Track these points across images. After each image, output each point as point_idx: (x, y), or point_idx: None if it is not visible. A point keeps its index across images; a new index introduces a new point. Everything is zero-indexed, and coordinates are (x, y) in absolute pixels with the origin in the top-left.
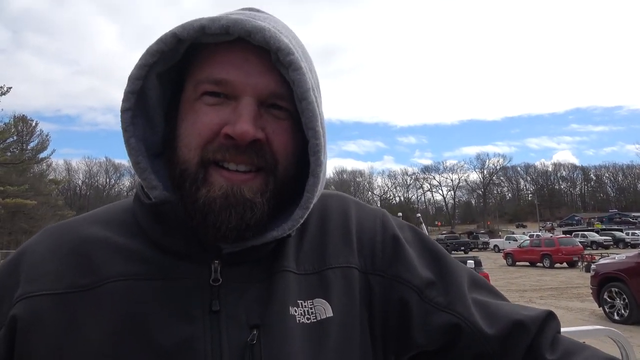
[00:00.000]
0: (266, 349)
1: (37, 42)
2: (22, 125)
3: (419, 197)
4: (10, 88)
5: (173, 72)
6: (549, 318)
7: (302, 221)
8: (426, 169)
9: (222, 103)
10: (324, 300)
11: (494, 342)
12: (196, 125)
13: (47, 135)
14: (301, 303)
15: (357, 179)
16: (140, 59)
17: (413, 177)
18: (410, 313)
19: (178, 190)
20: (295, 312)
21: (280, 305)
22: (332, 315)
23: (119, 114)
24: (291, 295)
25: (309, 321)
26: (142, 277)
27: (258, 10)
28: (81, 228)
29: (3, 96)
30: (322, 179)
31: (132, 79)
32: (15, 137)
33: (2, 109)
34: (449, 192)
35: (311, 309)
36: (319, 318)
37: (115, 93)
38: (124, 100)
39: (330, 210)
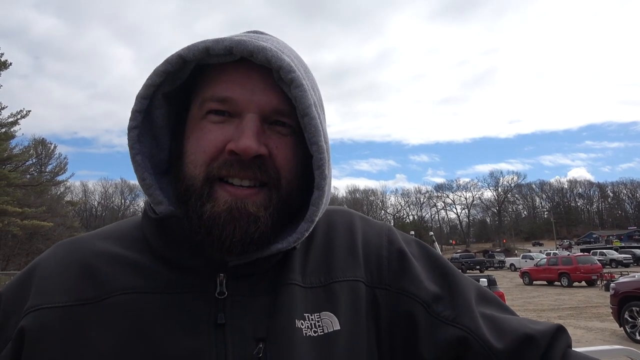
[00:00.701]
0: None
1: (55, 68)
2: (41, 148)
3: (432, 216)
4: (29, 111)
5: (180, 91)
6: (559, 332)
7: (307, 234)
8: (440, 187)
9: (226, 121)
10: (330, 314)
11: (503, 356)
12: (201, 143)
13: (65, 158)
14: (307, 316)
15: (370, 198)
16: (148, 79)
17: (426, 195)
18: (417, 327)
19: (184, 205)
20: (302, 325)
21: (287, 318)
22: (339, 328)
23: None
24: (297, 308)
25: (315, 334)
26: (148, 290)
27: (262, 33)
28: (91, 243)
29: (23, 119)
30: (327, 193)
31: (139, 98)
32: (34, 160)
33: (23, 133)
34: (463, 210)
35: (318, 322)
36: (325, 331)
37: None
38: (131, 119)
39: (336, 224)
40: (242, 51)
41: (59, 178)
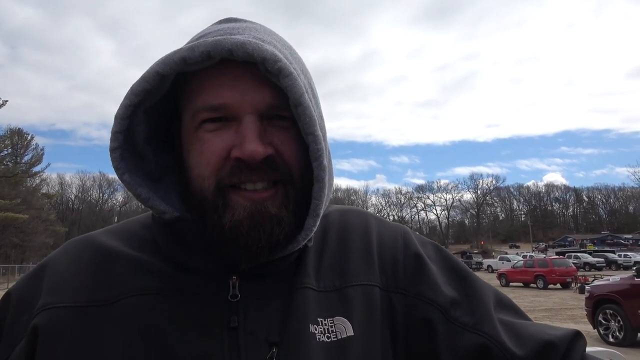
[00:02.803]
0: None
1: (34, 58)
2: (17, 138)
3: (412, 216)
4: (6, 101)
5: (162, 103)
6: (576, 337)
7: (314, 229)
8: (420, 189)
9: (224, 127)
10: (344, 319)
11: None
12: (204, 155)
13: (41, 149)
14: (321, 321)
15: (352, 197)
16: (125, 99)
17: (407, 196)
18: (435, 333)
19: (201, 218)
20: (315, 330)
21: (300, 322)
22: (352, 334)
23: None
24: (311, 312)
25: (329, 340)
26: (160, 292)
27: (236, 20)
28: (102, 242)
29: None
30: (328, 184)
31: (118, 118)
32: (9, 150)
33: None
34: (443, 212)
35: (331, 327)
36: (339, 337)
37: (110, 109)
38: (112, 140)
39: (350, 226)
40: (219, 52)
41: (35, 169)
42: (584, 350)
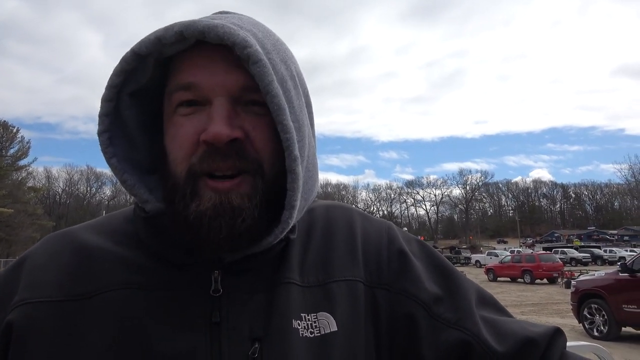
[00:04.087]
0: None
1: (20, 51)
2: (3, 131)
3: (402, 212)
4: None
5: (153, 89)
6: (557, 334)
7: (291, 222)
8: (410, 184)
9: (196, 111)
10: (328, 314)
11: (504, 359)
12: (177, 139)
13: (27, 142)
14: (304, 316)
15: (342, 192)
16: (108, 80)
17: (397, 191)
18: (418, 329)
19: (170, 206)
20: (299, 325)
21: (283, 318)
22: (336, 329)
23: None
24: (294, 308)
25: (312, 335)
26: (141, 286)
27: (227, 12)
28: (82, 236)
29: None
30: (306, 175)
31: (103, 100)
32: None
33: None
34: (432, 207)
35: (315, 322)
36: (322, 332)
37: (98, 102)
38: (99, 123)
39: (335, 221)
40: (192, 33)
41: (21, 163)
42: (564, 347)
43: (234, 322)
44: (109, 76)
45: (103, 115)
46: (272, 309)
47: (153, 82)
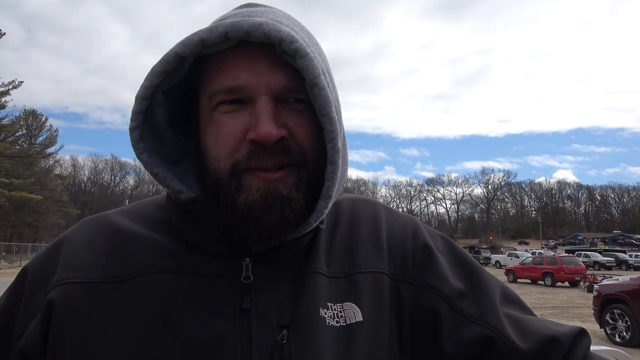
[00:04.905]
0: (295, 350)
1: (49, 41)
2: (32, 119)
3: (422, 209)
4: (22, 82)
5: (180, 85)
6: (581, 335)
7: (326, 211)
8: (430, 182)
9: (239, 109)
10: (354, 305)
11: (527, 357)
12: (220, 137)
13: (55, 131)
14: (331, 306)
15: (361, 188)
16: (146, 80)
17: (417, 188)
18: (441, 323)
19: (214, 198)
20: (325, 314)
21: (311, 306)
22: (362, 319)
23: (126, 114)
24: (321, 297)
25: (338, 324)
26: (174, 271)
27: (255, 5)
28: (117, 221)
29: (14, 90)
30: (342, 167)
31: (138, 99)
32: (24, 131)
33: (15, 105)
34: (453, 206)
35: (341, 312)
36: (348, 322)
37: (123, 94)
38: (131, 120)
39: (360, 214)
40: (237, 33)
41: (49, 151)
42: (588, 348)
43: (263, 309)
44: (147, 75)
45: (137, 112)
46: (299, 297)
47: (183, 78)
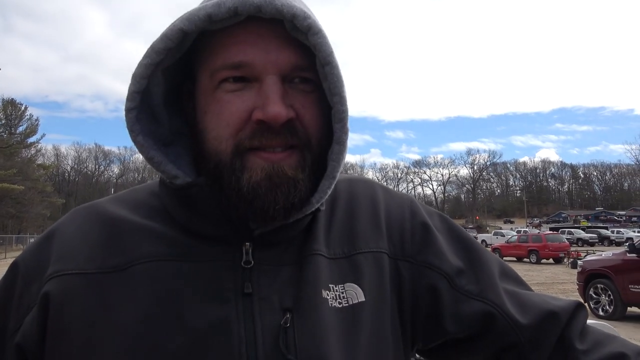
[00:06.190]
0: (300, 333)
1: (26, 28)
2: (11, 109)
3: (409, 191)
4: None
5: (179, 62)
6: (578, 308)
7: (329, 192)
8: (417, 164)
9: (245, 87)
10: (355, 285)
11: (526, 331)
12: (223, 116)
13: (36, 120)
14: (332, 287)
15: (349, 171)
16: (146, 57)
17: (404, 170)
18: (441, 300)
19: (216, 181)
20: (327, 295)
21: (313, 288)
22: (364, 300)
23: (108, 101)
24: (323, 279)
25: (340, 305)
26: (172, 258)
27: None
28: (110, 209)
29: None
30: (346, 148)
31: (137, 77)
32: (3, 121)
33: None
34: (439, 187)
35: (342, 293)
36: (350, 302)
37: (104, 81)
38: (128, 100)
39: (358, 194)
40: (248, 8)
41: (30, 140)
42: (585, 322)
43: (265, 292)
44: (147, 52)
45: (135, 92)
46: (301, 280)
47: (182, 55)
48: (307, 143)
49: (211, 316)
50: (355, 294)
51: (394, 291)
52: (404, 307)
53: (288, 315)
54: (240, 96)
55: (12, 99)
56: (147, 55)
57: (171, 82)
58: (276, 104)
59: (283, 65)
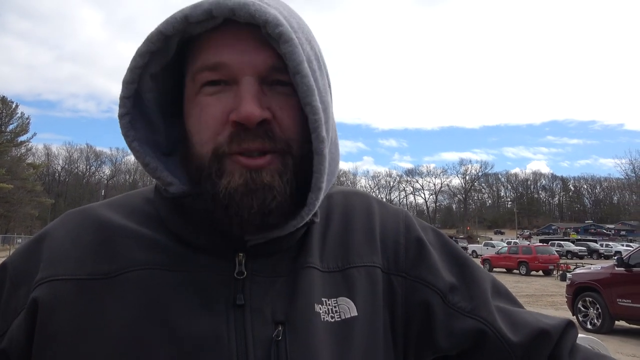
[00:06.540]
0: (292, 346)
1: (20, 26)
2: (2, 106)
3: (400, 200)
4: None
5: (168, 69)
6: (569, 327)
7: (317, 203)
8: (409, 172)
9: (223, 90)
10: (348, 299)
11: (518, 349)
12: (202, 120)
13: (27, 118)
14: (325, 301)
15: (342, 179)
16: (131, 62)
17: (396, 179)
18: (434, 316)
19: (197, 186)
20: (320, 309)
21: (306, 302)
22: (356, 314)
23: (101, 101)
24: (316, 292)
25: (333, 320)
26: (164, 267)
27: None
28: (103, 214)
29: None
30: (330, 157)
31: (125, 83)
32: None
33: None
34: (431, 196)
35: (335, 307)
36: (343, 317)
37: (98, 81)
38: (120, 106)
39: (353, 208)
40: (222, 11)
41: (21, 139)
42: (575, 340)
43: (257, 304)
44: (133, 57)
45: (124, 97)
46: (294, 293)
47: (172, 62)
48: (287, 148)
49: (202, 327)
50: (348, 308)
51: (386, 306)
52: (397, 323)
53: (280, 328)
54: (219, 99)
55: (3, 96)
56: (132, 59)
57: (167, 89)
58: (249, 103)
59: (259, 67)
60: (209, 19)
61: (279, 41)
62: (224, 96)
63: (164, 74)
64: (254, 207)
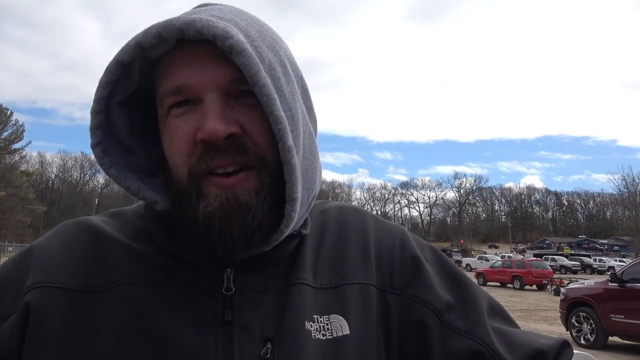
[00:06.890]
0: None
1: (17, 34)
2: None
3: (395, 213)
4: None
5: (143, 91)
6: (564, 347)
7: (294, 215)
8: (404, 185)
9: (189, 111)
10: (340, 317)
11: None
12: (174, 142)
13: (21, 125)
14: (317, 318)
15: (336, 190)
16: (95, 93)
17: (391, 192)
18: (429, 336)
19: (178, 209)
20: (311, 327)
21: (296, 319)
22: (348, 332)
23: None
24: (307, 309)
25: (324, 337)
26: (154, 282)
27: (208, 4)
28: (98, 226)
29: None
30: (301, 165)
31: (93, 113)
32: None
33: None
34: (426, 209)
35: (327, 325)
36: (334, 335)
37: (94, 90)
38: (91, 136)
39: (348, 223)
40: (171, 32)
41: (15, 146)
42: (571, 359)
43: (245, 321)
44: (96, 88)
45: (94, 128)
46: (284, 309)
47: (143, 86)
48: (262, 162)
49: (189, 344)
50: (340, 326)
51: (380, 325)
52: (391, 341)
53: (269, 346)
54: (186, 119)
55: None
56: (96, 90)
57: (142, 111)
58: (211, 120)
59: (221, 81)
60: (160, 42)
61: (231, 54)
62: (191, 116)
63: (136, 97)
64: (234, 231)
